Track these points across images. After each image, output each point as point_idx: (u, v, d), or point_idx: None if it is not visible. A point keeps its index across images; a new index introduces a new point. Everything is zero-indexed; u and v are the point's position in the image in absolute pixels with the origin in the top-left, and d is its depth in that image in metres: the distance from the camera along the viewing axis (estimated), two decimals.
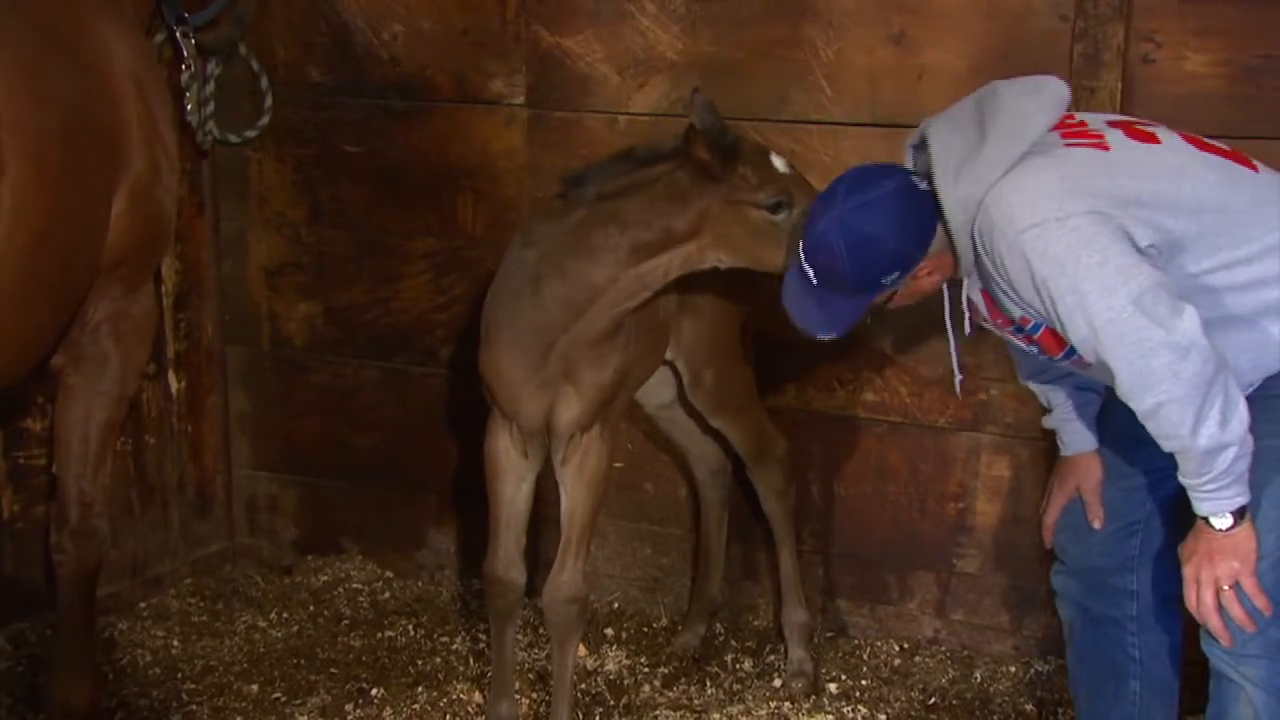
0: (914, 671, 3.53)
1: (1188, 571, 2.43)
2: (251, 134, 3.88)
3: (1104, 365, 2.40)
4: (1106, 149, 2.46)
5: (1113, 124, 2.56)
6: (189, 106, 3.66)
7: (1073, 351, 2.47)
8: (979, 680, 3.49)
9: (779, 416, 3.49)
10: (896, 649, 3.62)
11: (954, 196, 2.45)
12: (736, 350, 3.34)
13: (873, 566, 3.64)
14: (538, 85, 3.65)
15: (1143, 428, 2.47)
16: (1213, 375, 2.32)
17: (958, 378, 2.75)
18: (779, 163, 2.79)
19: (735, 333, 3.31)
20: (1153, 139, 2.53)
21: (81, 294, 2.86)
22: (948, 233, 2.49)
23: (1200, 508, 2.40)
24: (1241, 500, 2.38)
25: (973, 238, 2.47)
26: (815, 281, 2.55)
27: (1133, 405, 2.37)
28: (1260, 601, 2.40)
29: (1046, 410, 2.87)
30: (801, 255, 2.55)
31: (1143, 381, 2.33)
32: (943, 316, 2.67)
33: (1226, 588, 2.40)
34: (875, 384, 3.55)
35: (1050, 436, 3.37)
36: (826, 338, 2.64)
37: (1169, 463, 2.54)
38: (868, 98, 3.40)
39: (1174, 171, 2.46)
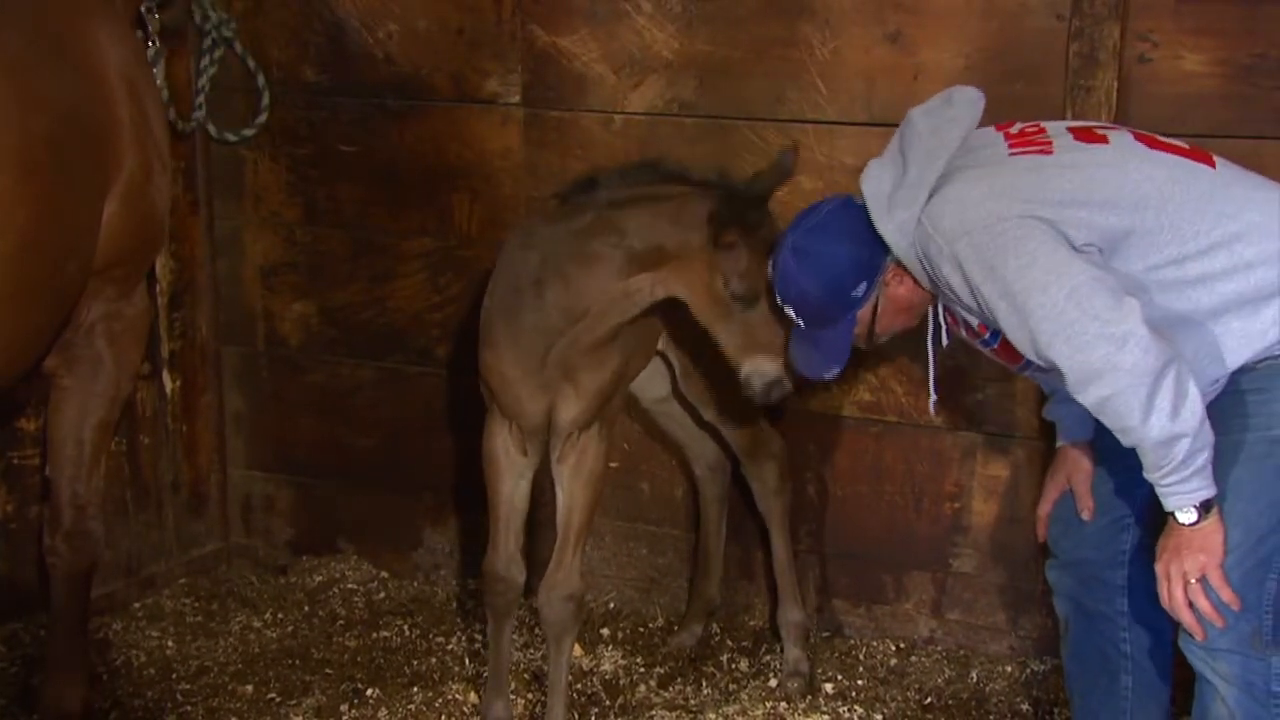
0: (910, 671, 3.53)
1: (1158, 567, 2.45)
2: (249, 132, 3.88)
3: (1051, 366, 2.42)
4: (1049, 153, 2.51)
5: (1070, 129, 2.61)
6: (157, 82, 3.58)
7: (1029, 363, 2.50)
8: (975, 680, 3.49)
9: (775, 415, 3.47)
10: (892, 649, 3.61)
11: (891, 227, 2.54)
12: None
13: (869, 566, 3.64)
14: (533, 84, 3.65)
15: None
16: (1157, 365, 2.32)
17: (933, 398, 2.81)
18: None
19: None
20: (1101, 140, 2.56)
21: (74, 296, 2.85)
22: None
23: (1166, 503, 2.42)
24: (1205, 494, 2.39)
25: (918, 259, 2.54)
26: (800, 322, 2.67)
27: (1081, 400, 2.39)
28: (1227, 595, 2.41)
29: (1046, 399, 2.88)
30: (779, 299, 2.69)
31: (1085, 375, 2.35)
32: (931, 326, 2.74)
33: (1194, 581, 2.41)
34: (871, 383, 3.54)
35: (1047, 435, 3.39)
36: (831, 376, 2.75)
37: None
38: (864, 97, 3.40)
39: (1113, 169, 2.48)
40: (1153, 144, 2.56)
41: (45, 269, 2.67)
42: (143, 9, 3.47)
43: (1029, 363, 2.52)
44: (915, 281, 2.61)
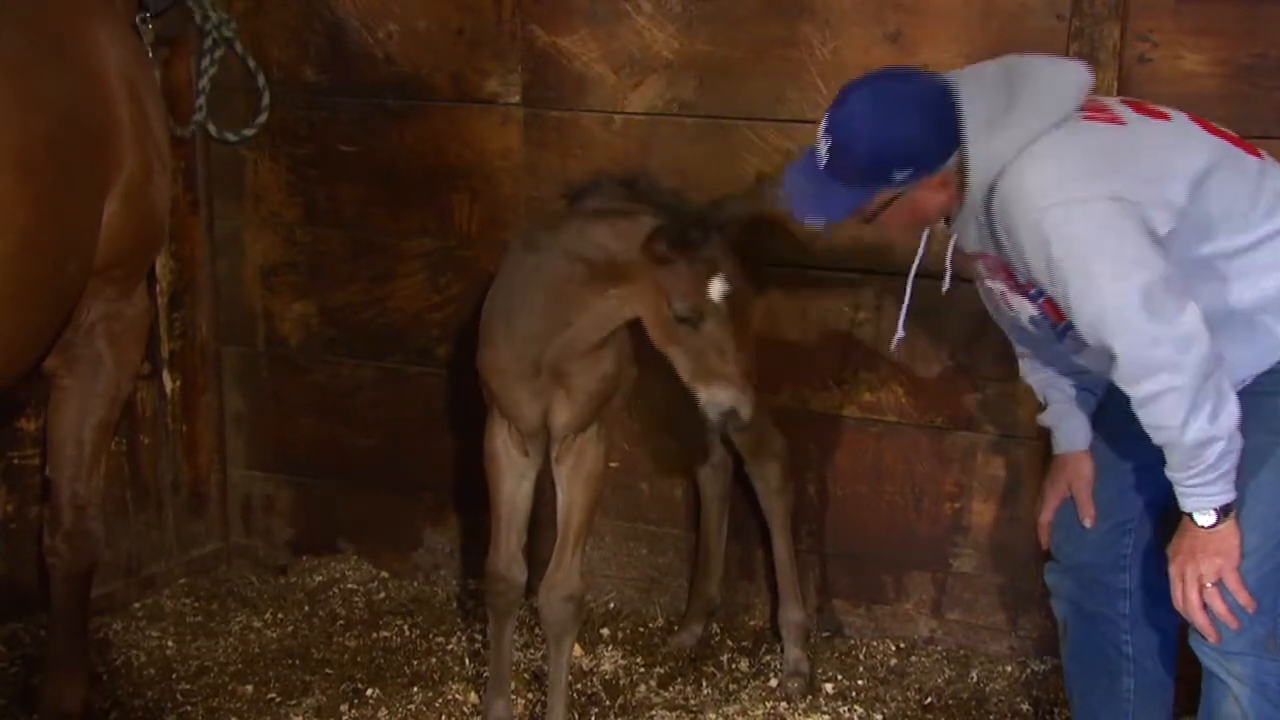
0: (910, 671, 3.53)
1: (1173, 569, 2.44)
2: (249, 132, 3.87)
3: (1101, 349, 2.39)
4: (1123, 123, 2.45)
5: (1126, 102, 2.56)
6: None
7: (1071, 326, 2.46)
8: (975, 680, 3.49)
9: (776, 416, 3.48)
10: (893, 649, 3.61)
11: (983, 150, 2.41)
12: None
13: (869, 566, 3.63)
14: (533, 84, 3.64)
15: (1136, 424, 2.47)
16: (1211, 369, 2.33)
17: (899, 334, 2.74)
18: (718, 288, 2.72)
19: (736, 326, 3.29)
20: (1162, 116, 2.52)
21: (74, 296, 2.84)
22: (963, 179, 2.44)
23: (1185, 503, 2.41)
24: (1226, 498, 2.38)
25: (982, 200, 2.44)
26: (823, 163, 2.44)
27: (1129, 391, 2.37)
28: (1243, 598, 2.40)
29: (1043, 407, 2.86)
30: (820, 130, 2.45)
31: (1142, 369, 2.34)
32: (927, 274, 2.67)
33: (1210, 584, 2.40)
34: (871, 383, 3.54)
35: (1047, 436, 3.39)
36: (815, 224, 2.56)
37: (1158, 458, 2.54)
38: None
39: (1182, 150, 2.45)
40: (1206, 126, 2.52)
41: (45, 269, 2.67)
42: (136, 19, 3.43)
43: (1069, 326, 2.46)
44: (949, 201, 2.48)
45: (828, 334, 3.54)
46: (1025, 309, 2.56)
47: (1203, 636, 2.46)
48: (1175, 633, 2.75)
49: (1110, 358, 2.38)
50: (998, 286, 2.60)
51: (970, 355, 3.43)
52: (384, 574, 4.04)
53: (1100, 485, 2.74)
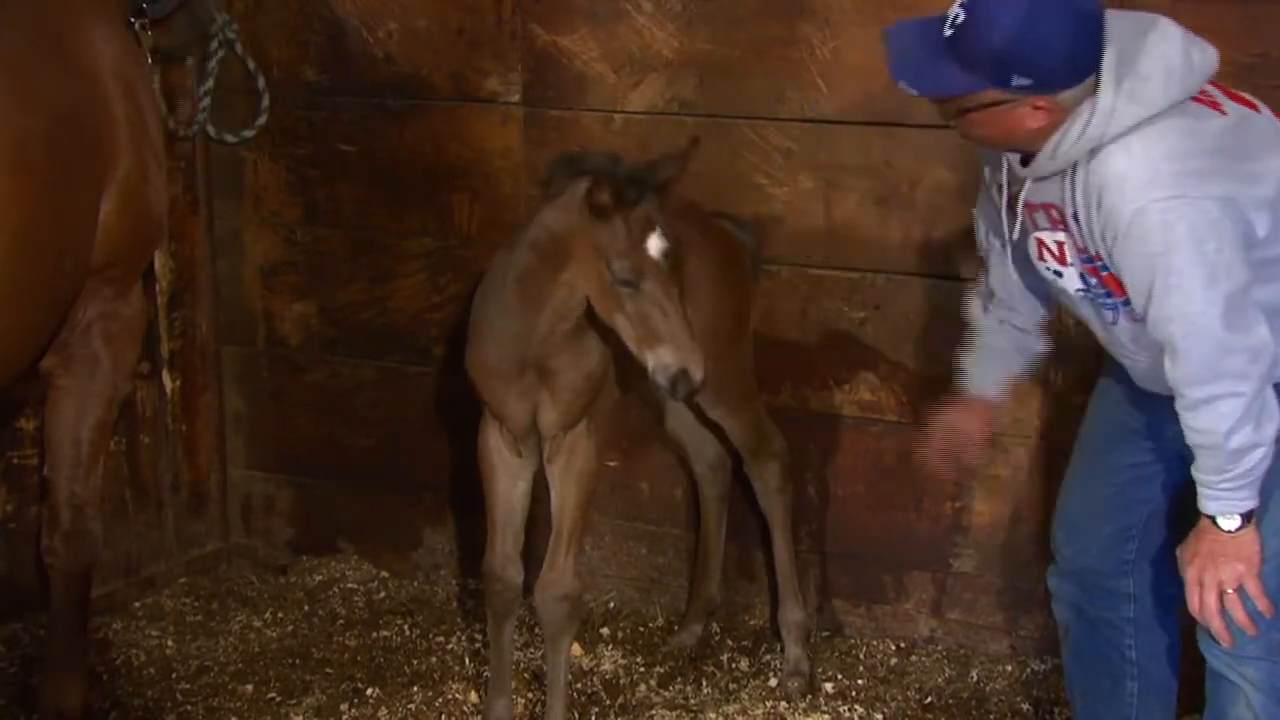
0: (910, 671, 3.52)
1: (1190, 573, 2.39)
2: (249, 133, 3.87)
3: (1162, 339, 2.30)
4: (1225, 113, 2.36)
5: (1211, 83, 2.42)
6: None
7: (1128, 303, 2.36)
8: (975, 680, 3.48)
9: (775, 416, 3.48)
10: (893, 648, 3.60)
11: (1108, 103, 2.25)
12: (736, 341, 3.31)
13: (869, 566, 3.63)
14: (534, 84, 3.64)
15: (1133, 417, 2.45)
16: (1270, 379, 2.29)
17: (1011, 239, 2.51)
18: (656, 244, 2.70)
19: (735, 323, 3.30)
20: (1253, 105, 2.43)
21: (71, 296, 2.84)
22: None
23: (1209, 506, 2.36)
24: (1252, 503, 2.35)
25: (1088, 160, 2.29)
26: (948, 34, 2.24)
27: (1185, 391, 2.30)
28: (1263, 605, 2.37)
29: (969, 345, 2.76)
30: None
31: (1209, 374, 2.28)
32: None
33: (1230, 591, 2.36)
34: (871, 383, 3.53)
35: (1048, 435, 3.40)
36: (906, 86, 2.32)
37: (1157, 456, 2.53)
38: (864, 96, 3.37)
39: (1276, 145, 2.37)
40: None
41: (42, 268, 2.66)
42: (135, 25, 3.45)
43: (1126, 302, 2.37)
44: (1042, 133, 2.29)
45: (828, 333, 3.53)
46: (1073, 275, 2.43)
47: (1214, 640, 2.43)
48: (1179, 635, 2.73)
49: (1170, 351, 2.30)
50: (1051, 242, 2.44)
51: None
52: (384, 574, 4.03)
53: (1101, 491, 2.70)
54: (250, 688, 3.44)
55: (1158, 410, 2.47)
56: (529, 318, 2.84)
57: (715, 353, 3.22)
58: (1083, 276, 2.43)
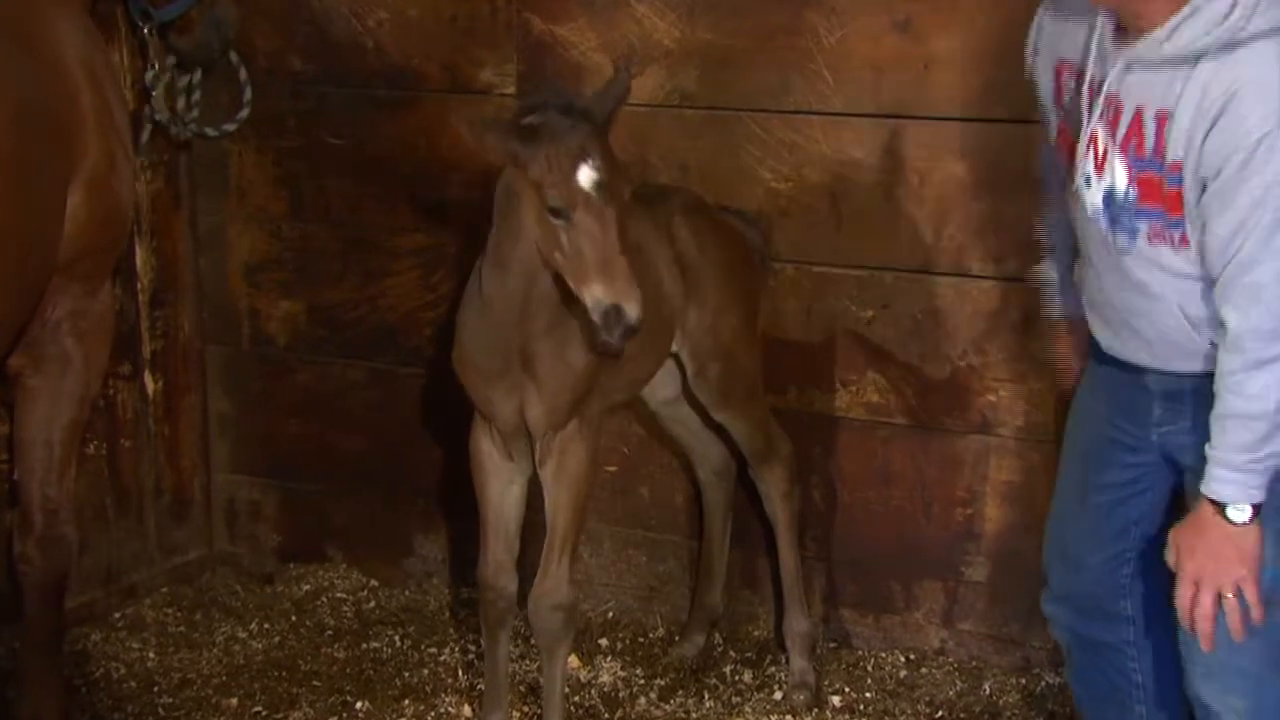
0: (920, 684, 3.48)
1: (1186, 568, 2.27)
2: (230, 127, 3.83)
3: (1217, 278, 2.16)
4: None
5: None
6: (155, 105, 3.60)
7: (1179, 224, 2.20)
8: (987, 693, 3.43)
9: (780, 418, 3.45)
10: (902, 660, 3.56)
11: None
12: (744, 343, 3.29)
13: (877, 574, 3.59)
14: (530, 75, 3.59)
15: (1115, 428, 2.37)
16: None
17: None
18: (587, 174, 2.66)
19: (743, 324, 3.28)
20: None
21: (39, 292, 2.80)
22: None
23: (1224, 491, 2.23)
24: (1263, 496, 2.23)
25: (1214, 58, 2.10)
26: None
27: (1247, 347, 2.16)
28: (1257, 613, 2.27)
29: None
30: None
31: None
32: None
33: (1230, 596, 2.26)
34: (880, 385, 3.49)
35: (1063, 438, 3.31)
36: None
37: (1144, 468, 2.43)
38: (871, 88, 3.34)
39: None
40: None
41: (7, 262, 2.61)
42: (145, 30, 3.46)
43: (1176, 224, 2.20)
44: (1160, 12, 2.13)
45: (834, 333, 3.49)
46: (1102, 189, 2.27)
47: (1202, 678, 2.35)
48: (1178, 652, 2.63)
49: (1245, 298, 2.15)
50: (1103, 140, 2.27)
51: (982, 355, 3.37)
52: (374, 582, 4.00)
53: (1092, 514, 2.58)
54: (235, 701, 3.41)
55: (1140, 412, 2.40)
56: (503, 293, 2.83)
57: (722, 352, 3.25)
58: (1108, 194, 2.26)
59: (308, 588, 3.97)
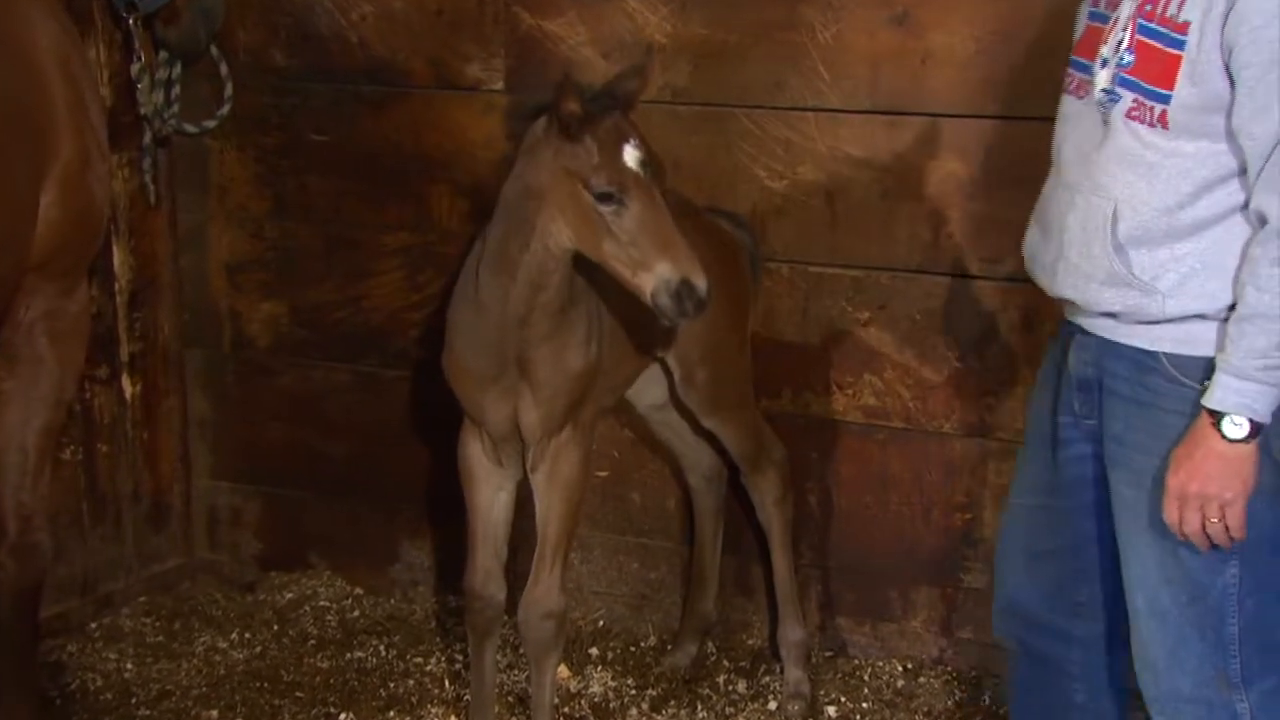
0: (918, 693, 3.47)
1: (1173, 481, 2.16)
2: (210, 124, 3.80)
3: (1183, 156, 2.11)
4: None
5: None
6: (141, 99, 3.57)
7: (1164, 99, 2.14)
8: (987, 703, 3.42)
9: (775, 422, 3.43)
10: (900, 669, 3.54)
11: None
12: (732, 347, 3.27)
13: (874, 581, 3.57)
14: (518, 70, 3.58)
15: (1057, 425, 2.31)
16: None
17: None
18: (632, 154, 2.64)
19: (731, 329, 3.25)
20: None
21: (9, 292, 2.76)
22: None
23: (1226, 399, 2.11)
24: (1267, 413, 2.13)
25: None
26: None
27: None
28: (1239, 535, 2.17)
29: None
30: None
31: None
32: None
33: (1215, 520, 2.16)
34: (876, 387, 3.46)
35: None
36: None
37: (1101, 471, 2.34)
38: (868, 83, 3.33)
39: None
40: None
41: None
42: (130, 22, 3.43)
43: (1162, 97, 2.13)
44: None
45: (830, 334, 3.47)
46: (1125, 41, 2.20)
47: (1153, 703, 2.31)
48: (1126, 670, 2.52)
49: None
50: (1128, 12, 2.21)
51: (981, 357, 3.35)
52: (358, 590, 3.97)
53: (1059, 532, 2.49)
54: (215, 714, 3.38)
55: (1068, 403, 2.34)
56: (503, 297, 2.78)
57: (710, 358, 3.21)
58: (1116, 71, 2.19)
59: (290, 596, 3.94)
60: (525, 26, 3.54)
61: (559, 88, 2.60)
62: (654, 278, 2.60)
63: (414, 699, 3.43)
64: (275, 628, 3.79)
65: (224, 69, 3.74)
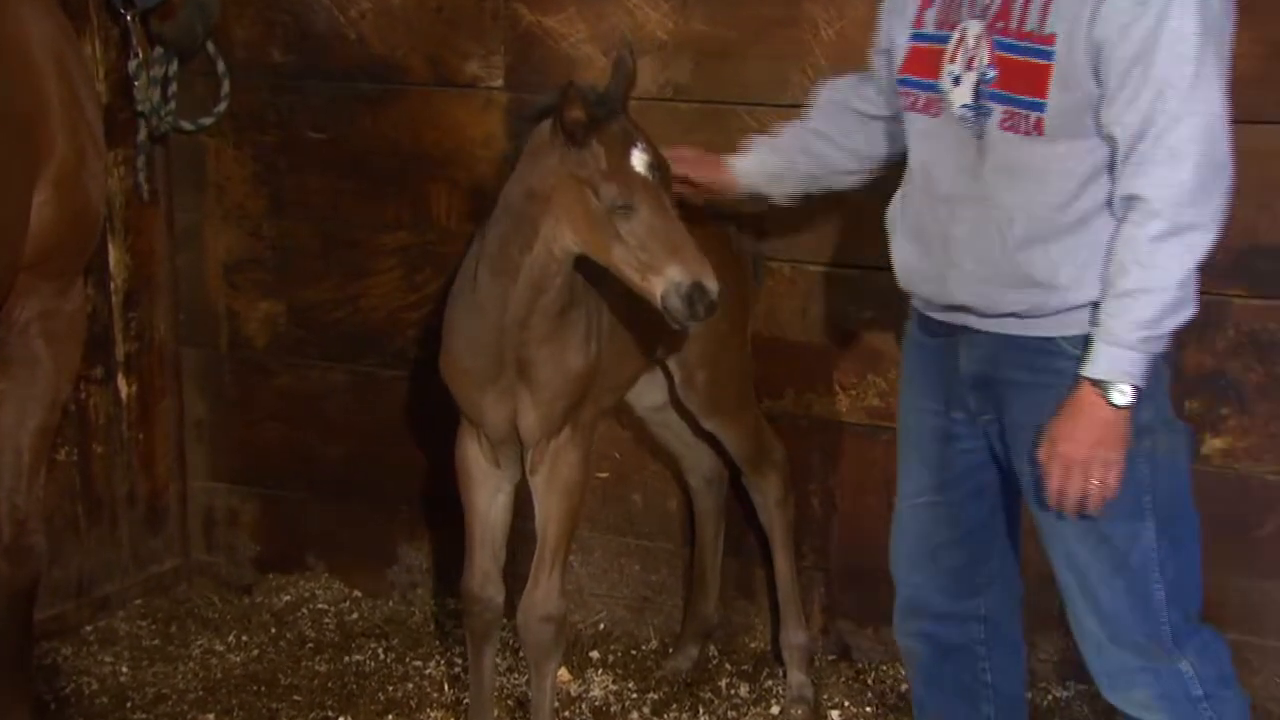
0: None
1: (1061, 449, 2.25)
2: (207, 121, 3.79)
3: (1074, 157, 2.21)
4: None
5: None
6: (138, 95, 3.57)
7: (1037, 107, 2.22)
8: None
9: (777, 422, 3.41)
10: (903, 673, 3.46)
11: None
12: (732, 348, 3.26)
13: (878, 584, 3.41)
14: (517, 67, 3.57)
15: (951, 421, 2.38)
16: None
17: None
18: (640, 159, 2.64)
19: (731, 330, 3.23)
20: None
21: (4, 292, 2.74)
22: None
23: (1111, 370, 2.22)
24: (1143, 381, 2.23)
25: None
26: None
27: (1162, 211, 2.17)
28: (1114, 495, 2.26)
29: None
30: None
31: (1202, 195, 2.17)
32: None
33: (1096, 482, 2.25)
34: (880, 388, 3.44)
35: None
36: None
37: (984, 455, 2.46)
38: None
39: None
40: None
41: None
42: (127, 17, 3.43)
43: (1034, 104, 2.23)
44: None
45: (833, 334, 3.45)
46: (984, 59, 2.28)
47: (1109, 692, 2.39)
48: (1024, 647, 2.71)
49: (1166, 160, 2.17)
50: (972, 39, 2.31)
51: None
52: (356, 593, 3.96)
53: (937, 525, 2.58)
54: (212, 717, 3.38)
55: (960, 399, 2.42)
56: (503, 299, 2.77)
57: (710, 360, 3.20)
58: (978, 81, 2.28)
59: (288, 599, 3.94)
60: (525, 23, 3.53)
61: (563, 95, 2.59)
62: (664, 281, 2.59)
63: (413, 702, 3.43)
64: (272, 630, 3.79)
65: (221, 66, 3.72)
